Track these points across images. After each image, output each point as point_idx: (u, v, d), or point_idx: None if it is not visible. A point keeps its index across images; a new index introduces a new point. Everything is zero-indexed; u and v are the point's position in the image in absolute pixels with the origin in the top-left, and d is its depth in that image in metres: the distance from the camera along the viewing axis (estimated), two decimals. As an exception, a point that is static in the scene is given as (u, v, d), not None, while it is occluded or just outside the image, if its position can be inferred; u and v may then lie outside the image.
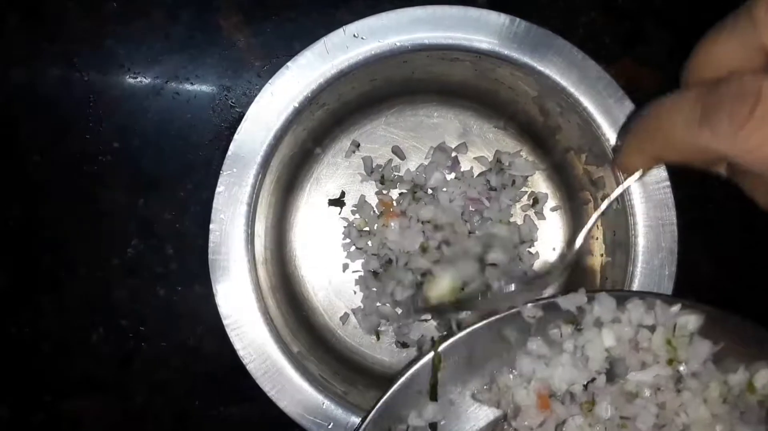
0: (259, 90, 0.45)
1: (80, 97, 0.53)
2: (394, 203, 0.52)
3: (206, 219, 0.45)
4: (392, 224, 0.51)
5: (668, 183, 0.44)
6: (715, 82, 0.27)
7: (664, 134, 0.30)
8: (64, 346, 0.53)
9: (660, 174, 0.44)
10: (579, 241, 0.41)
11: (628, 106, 0.45)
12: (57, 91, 0.53)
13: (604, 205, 0.40)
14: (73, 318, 0.53)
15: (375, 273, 0.52)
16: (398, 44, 0.45)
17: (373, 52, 0.45)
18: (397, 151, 0.54)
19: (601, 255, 0.49)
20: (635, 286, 0.44)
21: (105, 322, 0.53)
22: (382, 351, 0.53)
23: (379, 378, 0.51)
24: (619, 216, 0.46)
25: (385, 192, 0.53)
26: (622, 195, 0.45)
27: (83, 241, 0.53)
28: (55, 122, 0.53)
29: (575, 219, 0.53)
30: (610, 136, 0.45)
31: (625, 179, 0.37)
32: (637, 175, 0.36)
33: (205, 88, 0.53)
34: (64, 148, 0.53)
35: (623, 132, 0.44)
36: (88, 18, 0.53)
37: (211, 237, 0.45)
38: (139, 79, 0.53)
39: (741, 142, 0.25)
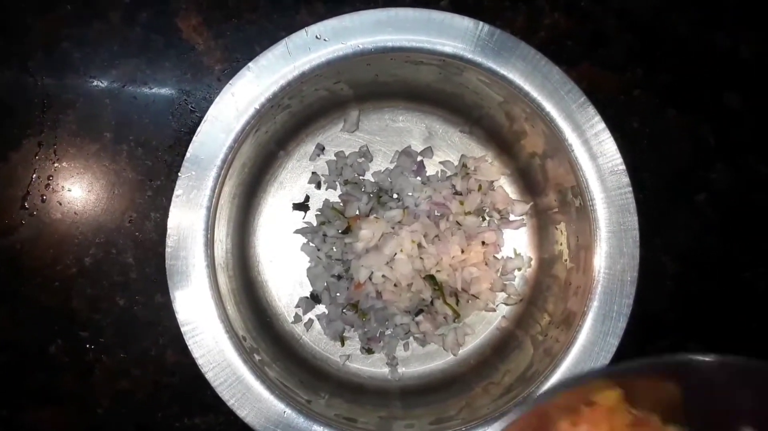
0: (219, 93, 0.44)
1: (34, 102, 0.51)
2: (359, 207, 0.52)
3: (166, 227, 0.44)
4: (356, 229, 0.50)
5: (630, 188, 0.44)
6: None
7: None
8: (22, 358, 0.51)
9: (621, 179, 0.44)
10: None
11: (591, 112, 0.44)
12: (10, 95, 0.51)
13: None
14: (30, 330, 0.51)
15: (339, 278, 0.52)
16: (361, 46, 0.45)
17: (335, 54, 0.45)
18: (363, 155, 0.53)
19: (565, 260, 0.49)
20: (598, 291, 0.44)
21: (63, 333, 0.51)
22: (347, 357, 0.52)
23: (345, 385, 0.51)
24: (583, 222, 0.45)
25: (349, 196, 0.52)
26: (584, 198, 0.45)
27: (40, 250, 0.51)
28: (9, 128, 0.51)
29: (540, 224, 0.53)
30: (573, 141, 0.44)
31: None
32: None
33: (164, 91, 0.52)
34: (18, 155, 0.51)
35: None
36: (42, 20, 0.51)
37: (168, 242, 0.43)
38: (95, 83, 0.51)
39: None
